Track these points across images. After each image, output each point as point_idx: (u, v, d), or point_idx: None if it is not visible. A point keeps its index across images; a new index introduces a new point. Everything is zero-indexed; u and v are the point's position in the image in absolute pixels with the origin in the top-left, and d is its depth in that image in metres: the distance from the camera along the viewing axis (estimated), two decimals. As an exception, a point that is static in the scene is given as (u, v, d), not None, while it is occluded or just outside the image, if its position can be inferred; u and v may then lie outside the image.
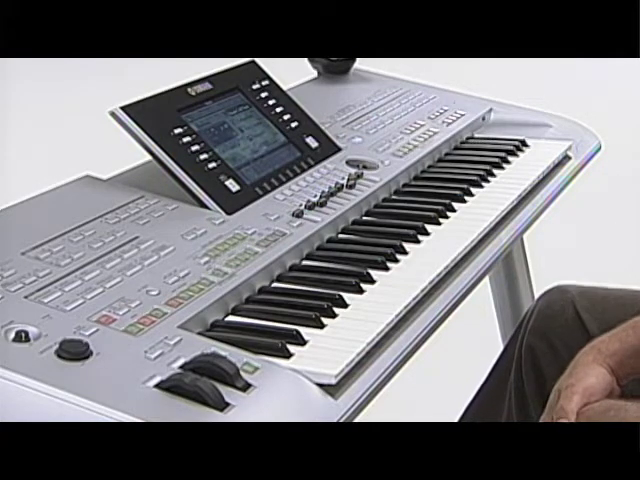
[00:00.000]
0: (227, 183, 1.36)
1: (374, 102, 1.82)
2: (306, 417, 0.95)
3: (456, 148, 1.74)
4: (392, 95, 1.86)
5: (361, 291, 1.19)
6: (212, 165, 1.37)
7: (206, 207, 1.32)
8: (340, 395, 1.00)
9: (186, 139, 1.37)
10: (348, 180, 1.47)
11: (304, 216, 1.34)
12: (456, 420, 1.62)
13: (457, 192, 1.50)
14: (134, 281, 1.12)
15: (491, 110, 1.89)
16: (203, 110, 1.44)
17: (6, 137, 4.08)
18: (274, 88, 1.58)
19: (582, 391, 1.16)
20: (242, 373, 0.96)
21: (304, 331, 1.07)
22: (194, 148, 1.37)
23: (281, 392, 0.97)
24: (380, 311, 1.14)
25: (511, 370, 1.53)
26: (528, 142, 1.76)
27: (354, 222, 1.41)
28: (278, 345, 1.03)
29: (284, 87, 1.61)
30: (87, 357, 0.96)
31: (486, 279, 1.76)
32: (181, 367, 0.96)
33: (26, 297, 1.05)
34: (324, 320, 1.11)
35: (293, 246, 1.27)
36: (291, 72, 1.88)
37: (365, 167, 1.53)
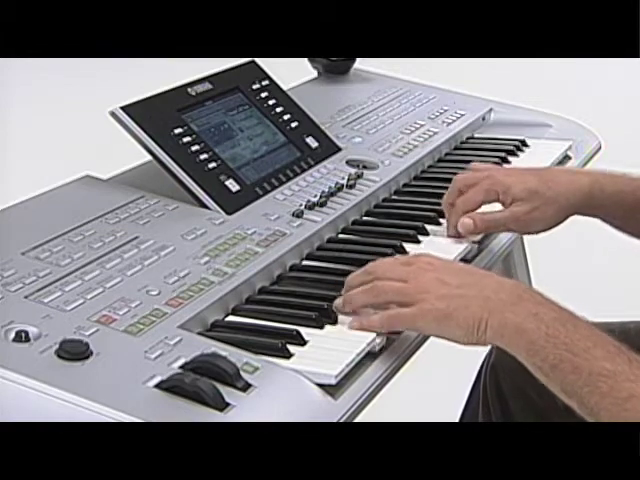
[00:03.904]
0: (227, 183, 1.36)
1: (374, 102, 1.82)
2: (306, 417, 0.95)
3: (456, 148, 1.74)
4: (392, 95, 1.86)
5: (361, 291, 1.19)
6: (212, 165, 1.37)
7: (206, 207, 1.32)
8: (340, 395, 1.00)
9: (186, 139, 1.37)
10: (348, 180, 1.47)
11: (304, 216, 1.34)
12: (456, 420, 1.62)
13: (457, 192, 1.50)
14: (134, 281, 1.12)
15: (491, 110, 1.89)
16: (203, 110, 1.44)
17: (6, 137, 4.08)
18: (274, 88, 1.58)
19: None
20: (242, 373, 0.96)
21: (304, 331, 1.07)
22: (194, 148, 1.37)
23: (281, 392, 0.97)
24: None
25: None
26: (528, 142, 1.76)
27: (354, 222, 1.41)
28: (278, 345, 1.03)
29: (284, 87, 1.61)
30: (87, 357, 0.96)
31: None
32: (181, 367, 0.96)
33: (26, 297, 1.05)
34: (324, 320, 1.11)
35: (293, 246, 1.27)
36: (291, 72, 1.88)
37: (365, 167, 1.53)
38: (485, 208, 1.36)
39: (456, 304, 1.05)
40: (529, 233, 1.39)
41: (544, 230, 1.35)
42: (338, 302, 1.13)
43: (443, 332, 1.06)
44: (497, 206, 1.37)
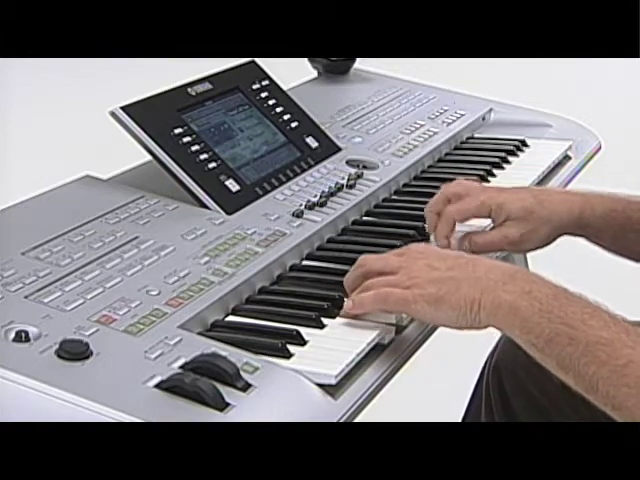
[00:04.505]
0: (227, 183, 1.36)
1: (374, 102, 1.82)
2: (306, 417, 0.95)
3: (456, 148, 1.74)
4: (392, 95, 1.86)
5: (361, 291, 1.19)
6: (212, 165, 1.37)
7: (206, 207, 1.32)
8: (340, 395, 1.00)
9: (186, 139, 1.37)
10: (348, 180, 1.47)
11: (304, 216, 1.34)
12: (458, 420, 1.62)
13: (457, 192, 1.50)
14: (134, 281, 1.12)
15: (491, 110, 1.89)
16: (203, 110, 1.44)
17: (6, 137, 4.08)
18: (274, 88, 1.58)
19: None
20: (242, 373, 0.96)
21: (304, 331, 1.07)
22: (194, 148, 1.37)
23: (281, 392, 0.97)
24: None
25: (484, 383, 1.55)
26: (528, 142, 1.76)
27: (354, 222, 1.41)
28: (278, 345, 1.03)
29: (284, 87, 1.61)
30: (87, 357, 0.96)
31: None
32: (181, 367, 0.96)
33: (26, 297, 1.05)
34: (324, 320, 1.11)
35: (293, 246, 1.27)
36: (291, 72, 1.88)
37: (365, 167, 1.53)
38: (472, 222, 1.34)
39: (447, 287, 1.04)
40: (520, 252, 1.37)
41: (535, 249, 1.34)
42: (347, 305, 1.11)
43: (436, 316, 1.06)
44: (484, 221, 1.34)
